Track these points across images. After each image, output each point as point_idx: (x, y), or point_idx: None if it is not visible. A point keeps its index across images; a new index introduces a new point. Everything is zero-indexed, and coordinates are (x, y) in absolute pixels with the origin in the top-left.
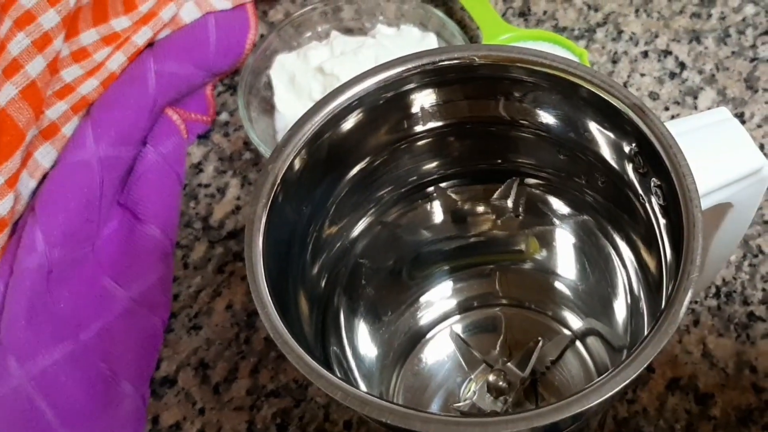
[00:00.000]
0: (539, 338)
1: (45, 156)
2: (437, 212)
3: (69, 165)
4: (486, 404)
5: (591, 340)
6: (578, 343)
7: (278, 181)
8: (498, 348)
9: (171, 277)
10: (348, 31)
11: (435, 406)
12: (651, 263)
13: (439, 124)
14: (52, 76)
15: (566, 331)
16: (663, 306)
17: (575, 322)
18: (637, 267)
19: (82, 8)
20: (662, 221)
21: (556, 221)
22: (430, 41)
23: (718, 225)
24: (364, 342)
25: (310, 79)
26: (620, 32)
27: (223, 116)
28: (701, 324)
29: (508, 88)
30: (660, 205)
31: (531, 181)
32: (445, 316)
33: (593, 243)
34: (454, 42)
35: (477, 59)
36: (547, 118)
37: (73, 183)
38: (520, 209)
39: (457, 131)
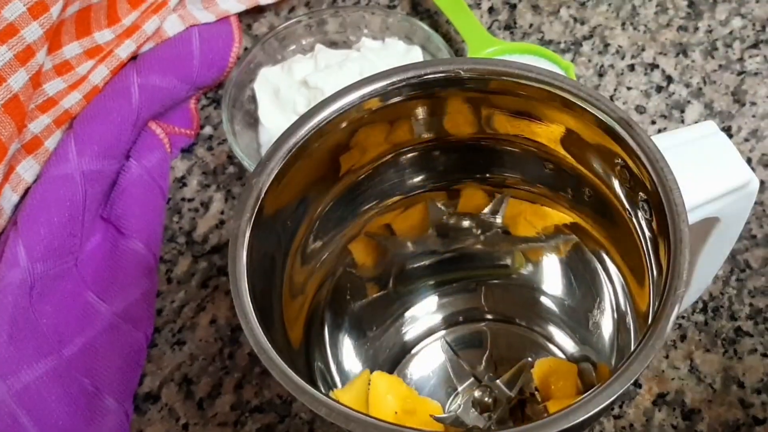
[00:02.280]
0: (529, 358)
1: (27, 170)
2: (423, 226)
3: (52, 179)
4: (470, 419)
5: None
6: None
7: (262, 195)
8: (483, 363)
9: (154, 291)
10: (333, 44)
11: None
12: (637, 278)
13: (425, 137)
14: (34, 90)
15: (552, 347)
16: (649, 321)
17: (561, 337)
18: (623, 282)
19: (65, 21)
20: (649, 235)
21: (543, 236)
22: (416, 54)
23: (705, 239)
24: (348, 357)
25: (294, 92)
26: (607, 45)
27: (207, 130)
28: (688, 339)
29: (493, 102)
30: (646, 219)
31: (518, 194)
32: (430, 332)
33: (579, 258)
34: (440, 55)
35: (462, 72)
36: (533, 131)
37: (56, 197)
38: (508, 225)
39: (442, 145)
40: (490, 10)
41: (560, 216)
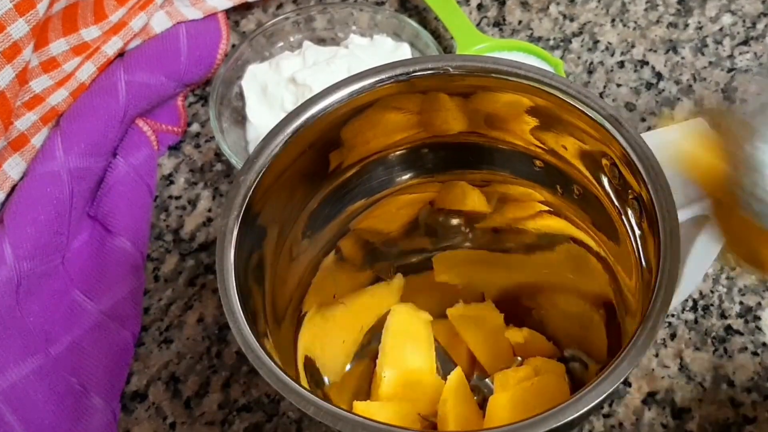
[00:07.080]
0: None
1: (14, 167)
2: (412, 224)
3: (38, 177)
4: None
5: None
6: None
7: (250, 193)
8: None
9: (142, 290)
10: (321, 41)
11: None
12: (627, 276)
13: (413, 134)
14: (21, 87)
15: None
16: (640, 320)
17: (552, 335)
18: (613, 280)
19: (52, 18)
20: (638, 233)
21: (532, 234)
22: (404, 51)
23: (695, 238)
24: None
25: (282, 89)
26: (596, 42)
27: (194, 127)
28: (678, 337)
29: (482, 99)
30: (636, 216)
31: (507, 192)
32: None
33: (569, 256)
34: (428, 52)
35: (451, 70)
36: (522, 128)
37: (43, 195)
38: (497, 223)
39: (430, 142)
40: (479, 6)
41: (549, 214)
